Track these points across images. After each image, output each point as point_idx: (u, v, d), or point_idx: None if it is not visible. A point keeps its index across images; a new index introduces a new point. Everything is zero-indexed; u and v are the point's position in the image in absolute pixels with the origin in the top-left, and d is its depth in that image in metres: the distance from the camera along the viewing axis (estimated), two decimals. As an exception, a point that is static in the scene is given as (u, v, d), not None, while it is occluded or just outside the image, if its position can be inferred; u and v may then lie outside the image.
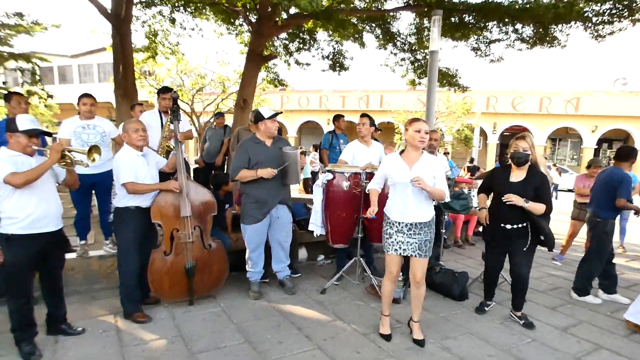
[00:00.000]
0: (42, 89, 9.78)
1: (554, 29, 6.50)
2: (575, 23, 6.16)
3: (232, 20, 8.13)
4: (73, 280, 3.70)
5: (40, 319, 2.80)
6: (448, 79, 8.17)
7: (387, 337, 2.98)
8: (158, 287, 3.32)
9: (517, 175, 3.21)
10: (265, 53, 7.48)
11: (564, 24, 6.27)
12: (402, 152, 2.90)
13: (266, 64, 8.40)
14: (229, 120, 7.18)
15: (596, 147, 21.68)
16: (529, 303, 3.84)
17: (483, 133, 22.30)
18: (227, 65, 13.80)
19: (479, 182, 3.54)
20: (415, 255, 2.81)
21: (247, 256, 3.74)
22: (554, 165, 15.00)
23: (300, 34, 8.26)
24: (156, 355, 2.65)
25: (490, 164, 21.04)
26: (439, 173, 2.82)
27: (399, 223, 2.81)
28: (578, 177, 5.53)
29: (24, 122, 2.51)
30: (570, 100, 20.81)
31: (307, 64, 9.02)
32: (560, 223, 7.32)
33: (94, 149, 2.70)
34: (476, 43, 7.32)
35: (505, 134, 22.11)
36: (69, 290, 3.52)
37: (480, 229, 3.85)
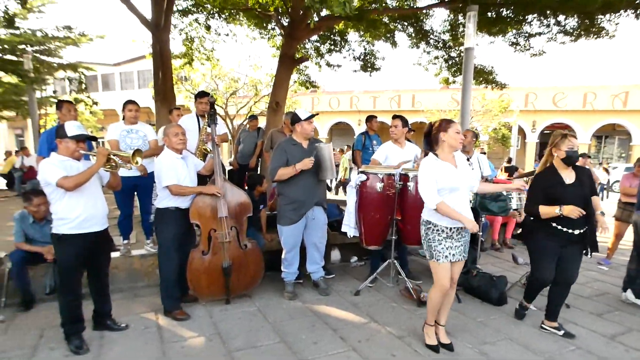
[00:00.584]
0: (88, 97, 10.38)
1: (601, 19, 6.08)
2: (625, 11, 5.76)
3: (264, 25, 8.29)
4: (117, 278, 3.88)
5: (88, 315, 2.96)
6: (484, 76, 7.91)
7: (435, 349, 2.82)
8: (196, 285, 3.42)
9: (568, 176, 2.98)
10: (297, 56, 7.56)
11: (612, 13, 5.87)
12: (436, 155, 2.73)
13: (298, 67, 8.49)
14: (261, 122, 7.30)
15: (648, 144, 20.28)
16: (573, 309, 3.67)
17: (521, 131, 21.43)
18: (260, 69, 14.07)
19: (517, 182, 3.30)
20: (461, 259, 2.73)
21: (282, 256, 3.80)
22: (600, 164, 14.18)
23: (331, 36, 8.28)
24: (195, 352, 2.74)
25: (530, 163, 20.17)
26: (483, 170, 2.78)
27: (450, 229, 2.66)
28: (624, 176, 5.21)
29: (71, 128, 2.67)
30: (617, 95, 19.58)
31: (338, 66, 9.04)
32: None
33: (136, 153, 2.82)
34: (515, 37, 7.02)
35: (545, 132, 21.14)
36: (113, 287, 3.67)
37: (520, 231, 3.62)
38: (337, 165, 3.72)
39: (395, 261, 4.04)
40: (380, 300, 3.75)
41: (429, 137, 2.79)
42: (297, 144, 3.67)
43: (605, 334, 3.16)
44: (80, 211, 2.65)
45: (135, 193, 4.13)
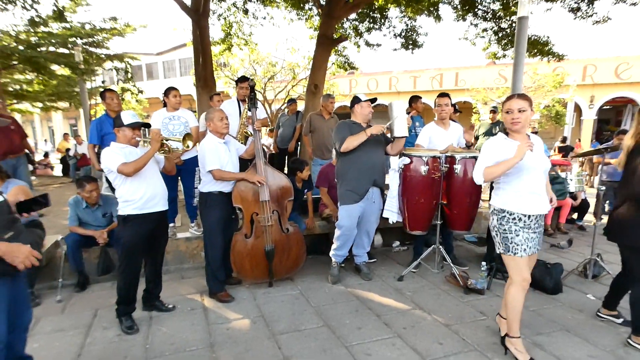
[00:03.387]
0: (134, 85, 10.79)
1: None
2: None
3: (301, 5, 8.12)
4: (164, 260, 4.02)
5: (138, 295, 3.06)
6: (539, 47, 7.29)
7: None
8: (240, 268, 3.47)
9: None
10: (335, 36, 7.35)
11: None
12: (506, 134, 2.43)
13: (336, 48, 8.28)
14: (300, 106, 7.24)
15: None
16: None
17: (577, 108, 19.88)
18: (297, 52, 13.95)
19: (575, 163, 2.96)
20: (536, 252, 2.42)
21: (335, 236, 3.71)
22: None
23: (371, 13, 7.97)
24: (240, 334, 2.78)
25: (585, 143, 18.74)
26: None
27: (529, 217, 2.36)
28: None
29: (127, 117, 2.80)
30: (691, 63, 17.56)
31: (378, 45, 8.72)
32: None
33: (187, 137, 2.92)
34: (576, 2, 6.36)
35: (605, 107, 19.49)
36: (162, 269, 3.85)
37: (575, 215, 3.23)
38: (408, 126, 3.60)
39: (441, 246, 3.89)
40: (424, 287, 3.63)
41: None
42: (357, 124, 3.57)
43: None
44: (143, 192, 2.78)
45: (179, 177, 4.23)
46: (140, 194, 2.78)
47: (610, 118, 21.90)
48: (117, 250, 3.47)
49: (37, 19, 8.27)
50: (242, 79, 4.49)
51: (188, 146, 2.91)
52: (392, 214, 3.83)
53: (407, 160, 3.63)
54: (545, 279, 3.53)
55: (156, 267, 3.13)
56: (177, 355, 2.53)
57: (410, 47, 8.33)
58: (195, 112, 6.24)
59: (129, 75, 10.64)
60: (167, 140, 2.93)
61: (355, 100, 3.57)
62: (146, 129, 2.96)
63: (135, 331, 2.82)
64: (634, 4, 5.78)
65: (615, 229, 2.68)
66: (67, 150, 11.33)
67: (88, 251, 3.70)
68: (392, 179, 3.80)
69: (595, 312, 3.05)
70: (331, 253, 3.78)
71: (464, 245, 4.99)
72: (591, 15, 6.34)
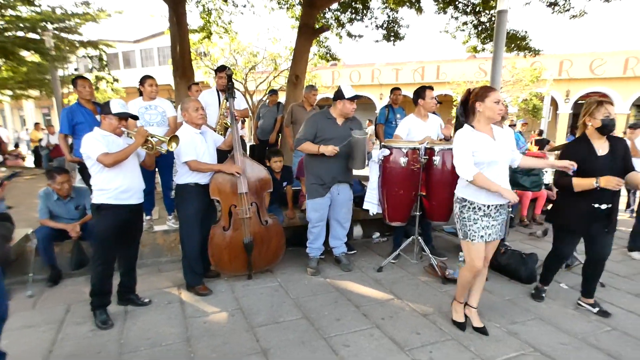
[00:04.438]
0: (109, 74, 10.44)
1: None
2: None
3: (283, -7, 8.00)
4: (140, 254, 3.91)
5: (113, 289, 3.00)
6: (517, 42, 7.40)
7: (462, 326, 2.74)
8: (218, 261, 3.43)
9: (602, 146, 2.75)
10: (317, 26, 7.27)
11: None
12: (472, 126, 2.51)
13: (317, 39, 8.20)
14: (281, 98, 7.16)
15: (692, 113, 18.96)
16: (609, 289, 3.49)
17: (553, 102, 20.36)
18: (278, 42, 13.77)
19: (551, 156, 3.09)
20: (496, 238, 2.56)
21: (308, 231, 3.76)
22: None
23: (353, 3, 7.91)
24: (218, 328, 2.75)
25: (561, 136, 19.26)
26: (514, 144, 2.57)
27: (488, 206, 2.47)
28: None
29: (116, 106, 2.76)
30: (663, 59, 18.18)
31: (360, 36, 8.67)
32: None
33: (174, 139, 2.85)
34: (554, -4, 6.45)
35: (580, 102, 20.01)
36: (137, 262, 3.76)
37: (550, 207, 3.40)
38: (369, 153, 3.58)
39: (419, 237, 3.93)
40: (403, 277, 3.67)
41: (465, 105, 2.56)
42: (331, 119, 3.55)
43: (648, 315, 2.98)
44: (118, 183, 2.74)
45: (157, 169, 4.13)
46: (116, 185, 2.73)
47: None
48: (91, 244, 3.38)
49: (3, 1, 7.87)
50: (220, 69, 4.38)
51: (172, 147, 2.83)
52: (372, 205, 3.84)
53: (386, 151, 3.63)
54: (520, 269, 3.61)
55: (130, 260, 3.06)
56: (153, 350, 2.48)
57: (392, 38, 8.32)
58: (173, 102, 6.08)
59: (104, 63, 10.29)
60: (152, 137, 2.86)
61: (339, 94, 3.50)
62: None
63: (110, 326, 2.75)
64: (607, 1, 5.92)
65: (550, 212, 3.25)
66: (40, 140, 10.93)
67: (60, 245, 3.58)
68: (372, 171, 3.80)
69: (576, 301, 3.13)
70: (307, 248, 3.80)
71: (443, 236, 5.06)
72: (568, 10, 6.47)
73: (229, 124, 4.10)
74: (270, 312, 2.95)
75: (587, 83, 19.64)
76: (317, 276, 3.66)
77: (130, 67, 26.99)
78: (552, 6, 6.51)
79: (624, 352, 2.47)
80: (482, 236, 2.49)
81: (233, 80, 3.68)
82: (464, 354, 2.44)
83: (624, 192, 6.44)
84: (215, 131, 3.88)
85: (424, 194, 3.75)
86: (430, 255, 3.78)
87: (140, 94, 3.97)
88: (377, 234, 4.87)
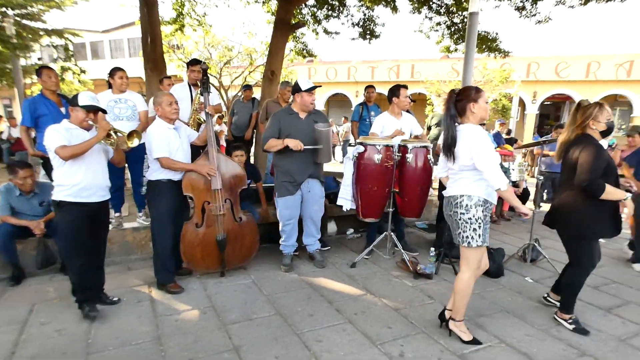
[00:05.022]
0: (76, 65, 10.01)
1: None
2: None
3: (258, -13, 7.89)
4: (109, 251, 3.79)
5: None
6: (488, 43, 7.61)
7: (478, 341, 2.55)
8: (190, 258, 3.37)
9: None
10: (293, 21, 7.22)
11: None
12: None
13: (294, 34, 8.14)
14: (257, 94, 7.09)
15: (648, 116, 20.07)
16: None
17: (521, 103, 21.10)
18: (254, 37, 13.58)
19: (518, 154, 3.15)
20: None
21: (280, 229, 3.74)
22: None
23: (329, 0, 7.90)
24: (189, 326, 2.71)
25: (528, 136, 20.00)
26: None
27: (491, 204, 2.47)
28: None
29: (84, 98, 2.67)
30: (622, 64, 19.16)
31: (336, 33, 8.66)
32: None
33: (134, 134, 2.77)
34: (521, 1, 6.67)
35: (545, 103, 20.85)
36: (105, 261, 3.63)
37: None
38: (334, 147, 3.57)
39: (392, 233, 4.00)
40: (376, 273, 3.72)
41: (455, 104, 2.42)
42: (293, 114, 3.54)
43: (601, 307, 3.16)
44: (78, 179, 2.63)
45: (126, 164, 4.01)
46: (75, 181, 2.63)
47: (550, 113, 23.49)
48: (56, 241, 3.25)
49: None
50: (194, 62, 4.28)
51: (132, 144, 2.74)
52: (346, 201, 3.88)
53: (361, 148, 3.67)
54: (489, 264, 3.73)
55: (97, 259, 2.95)
56: (122, 350, 2.42)
57: (367, 37, 8.36)
58: (144, 95, 5.91)
59: (70, 54, 9.86)
60: (116, 132, 2.76)
61: (297, 88, 3.49)
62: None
63: (95, 313, 2.74)
64: (572, 7, 6.20)
65: (557, 218, 2.82)
66: (0, 133, 10.38)
67: (24, 243, 3.43)
68: (346, 167, 3.83)
69: (543, 295, 3.21)
70: (280, 246, 3.79)
71: (415, 232, 5.17)
72: (534, 15, 6.71)
73: (202, 120, 4.03)
74: (243, 309, 2.94)
75: (553, 85, 20.49)
76: (290, 273, 3.67)
77: (99, 58, 25.97)
78: (520, 10, 6.74)
79: (583, 342, 2.60)
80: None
81: (208, 75, 3.61)
82: (434, 346, 2.51)
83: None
84: (188, 126, 3.80)
85: (397, 190, 3.82)
86: (402, 250, 3.86)
87: (110, 86, 3.83)
88: (352, 230, 4.93)
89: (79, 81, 11.59)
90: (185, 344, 2.47)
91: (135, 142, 2.75)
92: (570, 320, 2.79)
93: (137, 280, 3.44)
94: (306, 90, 3.44)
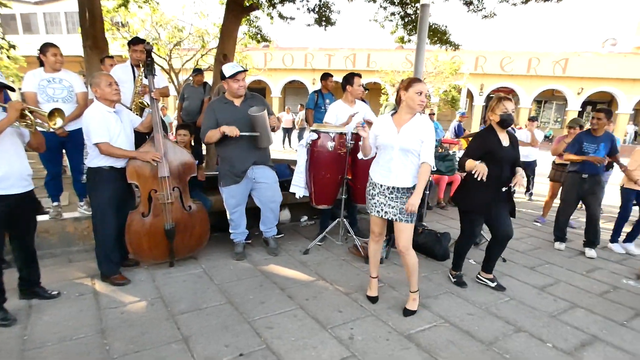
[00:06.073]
0: (3, 39, 9.07)
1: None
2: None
3: (209, -34, 7.55)
4: (47, 243, 3.58)
5: (13, 284, 2.71)
6: (439, 35, 7.85)
7: (373, 299, 2.95)
8: (137, 248, 3.23)
9: (505, 138, 3.09)
10: (246, 3, 7.01)
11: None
12: (394, 113, 2.70)
13: (248, 17, 7.91)
14: (208, 77, 6.84)
15: (580, 109, 21.86)
16: (509, 263, 3.93)
17: (469, 94, 22.15)
18: (206, 18, 13.03)
19: (466, 143, 3.36)
20: (397, 220, 2.69)
21: (228, 218, 3.67)
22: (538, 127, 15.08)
23: (285, -17, 7.74)
24: (136, 318, 2.60)
25: (476, 126, 21.08)
26: (428, 136, 2.59)
27: (381, 185, 2.72)
28: (557, 138, 5.54)
29: None
30: (558, 61, 20.67)
31: (292, 18, 8.51)
32: (540, 185, 7.46)
33: (57, 112, 2.50)
34: (470, -5, 6.94)
35: (491, 95, 22.01)
36: (43, 253, 3.41)
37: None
38: (274, 130, 3.51)
39: (345, 220, 4.07)
40: (328, 259, 3.78)
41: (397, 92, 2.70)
42: (228, 103, 3.45)
43: (536, 286, 3.43)
44: None
45: (64, 150, 3.74)
46: None
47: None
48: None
49: None
50: (136, 41, 4.00)
51: (55, 124, 2.48)
52: (299, 188, 3.88)
53: (314, 136, 3.68)
54: (435, 247, 3.93)
55: (27, 252, 2.73)
56: (62, 345, 2.29)
57: (323, 23, 8.31)
58: (84, 75, 5.50)
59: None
60: (32, 111, 2.46)
61: (222, 76, 3.38)
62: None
63: (12, 322, 2.47)
64: (514, 5, 6.56)
65: (454, 196, 3.49)
66: None
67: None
68: (300, 155, 3.82)
69: (476, 275, 3.47)
70: (231, 235, 3.73)
71: (368, 218, 5.27)
72: (481, 10, 7.01)
73: (145, 104, 3.83)
74: (193, 299, 2.87)
75: (498, 79, 21.68)
76: (243, 261, 3.63)
77: (32, 32, 23.73)
78: (468, 5, 7.00)
79: (519, 319, 2.82)
80: (378, 211, 2.76)
81: (152, 56, 3.42)
82: (382, 328, 2.61)
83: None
84: (131, 111, 3.59)
85: (350, 177, 3.88)
86: (354, 236, 3.94)
87: (41, 64, 3.52)
88: (305, 218, 4.95)
89: (8, 57, 10.53)
90: (131, 337, 2.38)
91: (58, 122, 2.50)
92: (454, 276, 3.41)
93: (79, 273, 3.25)
94: (230, 77, 3.33)
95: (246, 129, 3.32)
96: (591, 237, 4.32)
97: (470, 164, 3.01)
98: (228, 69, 3.35)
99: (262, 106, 3.43)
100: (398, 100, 2.67)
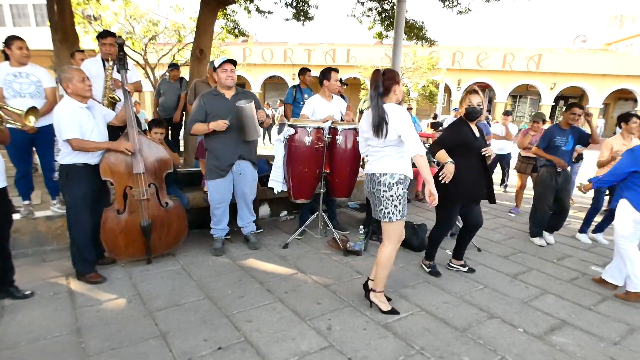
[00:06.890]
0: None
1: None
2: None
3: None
4: (20, 243, 3.48)
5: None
6: (415, 31, 7.96)
7: (394, 312, 2.73)
8: (112, 246, 3.19)
9: (475, 130, 3.22)
10: (223, -3, 6.91)
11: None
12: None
13: (224, 10, 7.81)
14: (185, 72, 6.73)
15: (553, 104, 22.55)
16: (483, 252, 4.05)
17: (447, 89, 22.49)
18: (182, 12, 12.74)
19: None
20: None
21: (211, 212, 3.67)
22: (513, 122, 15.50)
23: (261, -23, 7.68)
24: (112, 315, 2.58)
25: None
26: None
27: (408, 180, 2.66)
28: (521, 132, 5.72)
29: None
30: (532, 57, 21.22)
31: (269, 12, 8.45)
32: (514, 177, 7.68)
33: (32, 112, 2.46)
34: (444, -9, 7.05)
35: (468, 90, 22.44)
36: (16, 253, 3.29)
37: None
38: (262, 125, 3.52)
39: (324, 214, 4.10)
40: (308, 252, 3.82)
41: (380, 84, 2.53)
42: (219, 95, 3.45)
43: (509, 274, 3.55)
44: None
45: (34, 148, 3.63)
46: None
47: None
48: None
49: None
50: (105, 34, 3.89)
51: (30, 122, 2.44)
52: (277, 183, 3.89)
53: (292, 130, 3.69)
54: (412, 238, 4.01)
55: (2, 252, 2.67)
56: (36, 345, 2.24)
57: (301, 18, 8.28)
58: (55, 70, 5.33)
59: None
60: (1, 107, 2.43)
61: (211, 66, 3.45)
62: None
63: None
64: (487, 1, 6.69)
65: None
66: None
67: None
68: (277, 150, 3.83)
69: (447, 262, 3.59)
70: (211, 230, 3.73)
71: (347, 212, 5.36)
72: (456, 5, 7.13)
73: (117, 98, 3.76)
74: (171, 296, 2.86)
75: (475, 74, 22.09)
76: (222, 257, 3.62)
77: (-2, 25, 22.76)
78: (443, 1, 7.11)
79: (492, 306, 2.92)
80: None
81: (125, 50, 3.35)
82: (360, 318, 2.66)
83: (499, 170, 7.48)
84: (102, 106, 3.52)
85: (328, 171, 3.91)
86: (333, 229, 3.99)
87: (7, 57, 3.40)
88: (285, 213, 4.97)
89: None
90: (107, 334, 2.36)
91: (32, 120, 2.45)
92: (429, 266, 3.47)
93: (54, 272, 3.18)
94: (218, 67, 3.38)
95: (232, 121, 3.33)
96: (555, 224, 4.46)
97: (441, 154, 3.08)
98: (217, 60, 3.43)
99: (250, 99, 3.46)
100: (385, 90, 2.57)
